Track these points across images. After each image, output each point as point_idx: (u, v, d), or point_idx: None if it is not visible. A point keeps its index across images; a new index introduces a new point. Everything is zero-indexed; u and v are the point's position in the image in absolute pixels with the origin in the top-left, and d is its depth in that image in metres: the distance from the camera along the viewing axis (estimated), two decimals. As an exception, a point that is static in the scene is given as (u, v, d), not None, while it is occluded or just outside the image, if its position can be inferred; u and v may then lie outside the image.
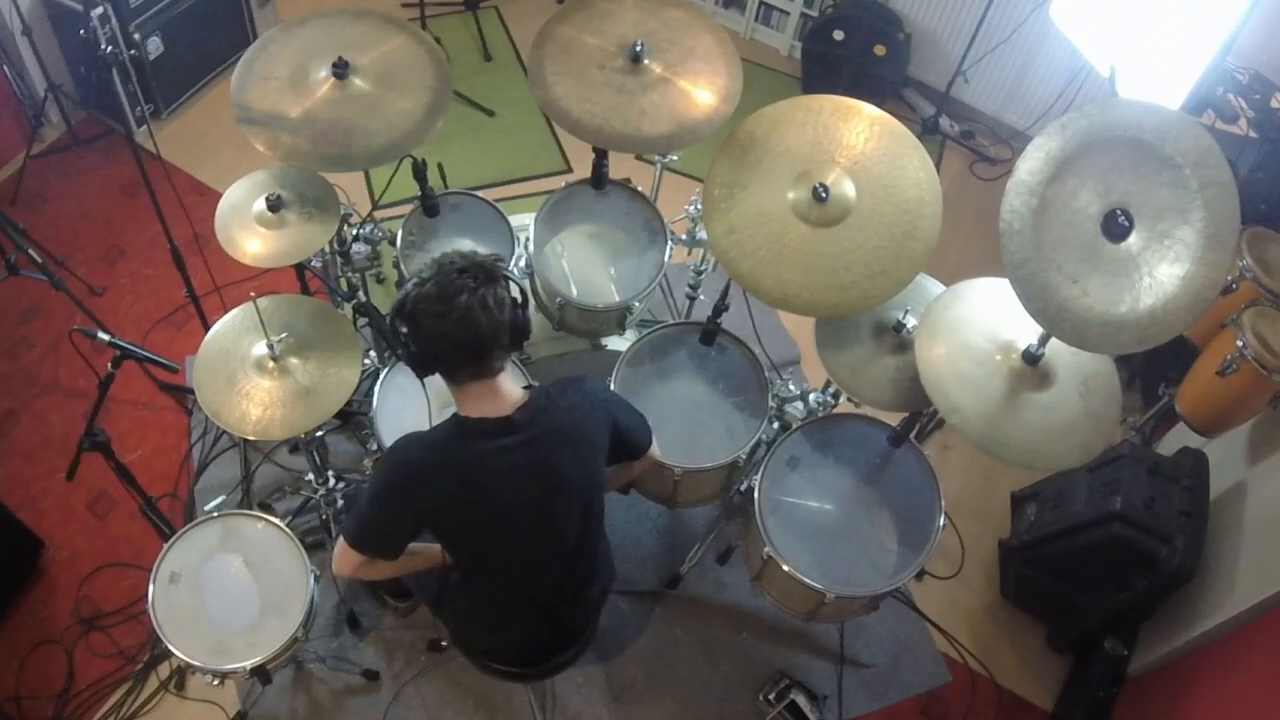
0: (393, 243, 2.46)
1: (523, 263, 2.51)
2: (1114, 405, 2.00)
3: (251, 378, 2.09)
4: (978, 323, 2.03)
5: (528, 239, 2.51)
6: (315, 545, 2.62)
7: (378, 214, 2.72)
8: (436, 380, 2.35)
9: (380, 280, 3.28)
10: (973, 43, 3.90)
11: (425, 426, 2.25)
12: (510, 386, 1.71)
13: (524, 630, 1.98)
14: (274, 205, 2.20)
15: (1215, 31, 2.67)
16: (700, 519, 2.93)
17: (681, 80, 2.26)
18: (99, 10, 3.12)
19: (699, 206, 2.38)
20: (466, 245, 2.50)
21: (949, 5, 4.01)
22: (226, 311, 2.18)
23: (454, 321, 1.56)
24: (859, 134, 2.10)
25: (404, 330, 1.62)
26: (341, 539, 1.74)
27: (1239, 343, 2.53)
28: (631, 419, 1.94)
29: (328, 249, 2.45)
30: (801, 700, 2.61)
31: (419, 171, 2.35)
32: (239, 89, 2.16)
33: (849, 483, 2.36)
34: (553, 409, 1.72)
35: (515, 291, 1.65)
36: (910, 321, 2.18)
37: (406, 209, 2.52)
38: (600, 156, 2.47)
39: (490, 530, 1.75)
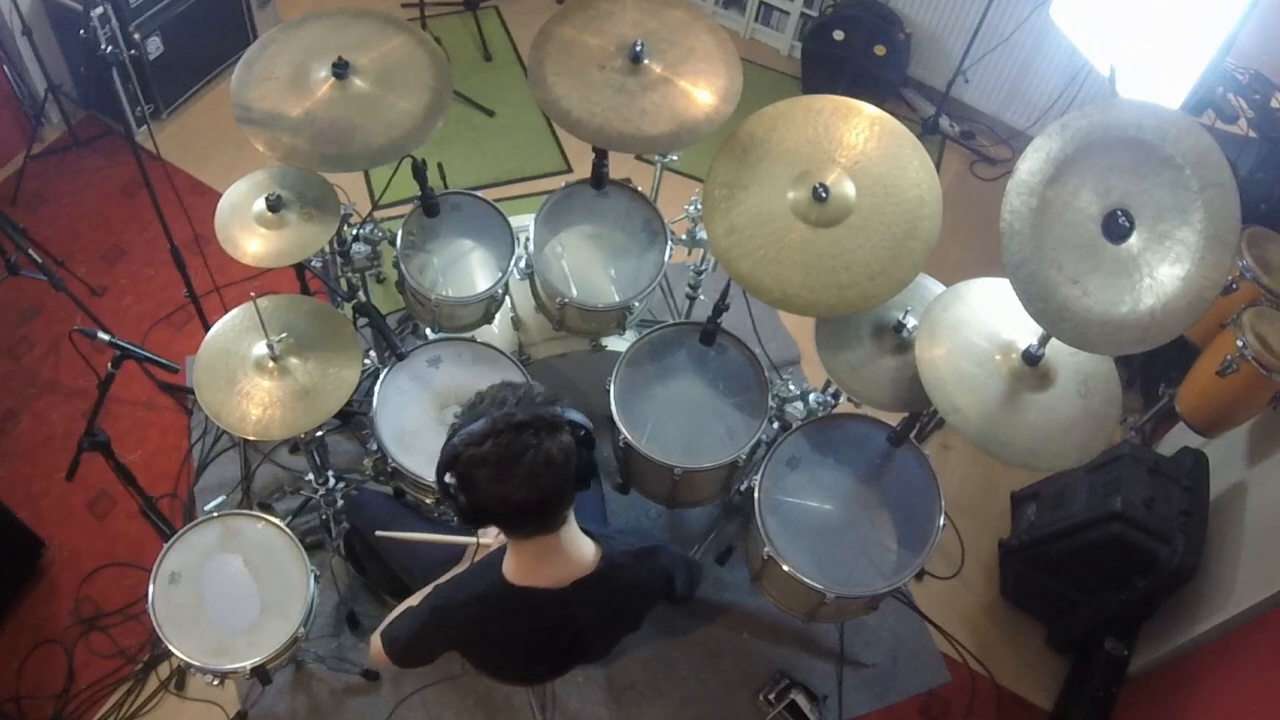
0: (393, 243, 2.46)
1: (523, 263, 2.51)
2: (1114, 405, 2.00)
3: (251, 378, 2.09)
4: (978, 323, 2.03)
5: (528, 239, 2.51)
6: (315, 545, 2.63)
7: (378, 214, 2.72)
8: (437, 380, 2.38)
9: (380, 280, 3.28)
10: (973, 43, 3.90)
11: (425, 426, 2.29)
12: (573, 548, 1.52)
13: (527, 676, 2.03)
14: (274, 205, 2.20)
15: (1215, 31, 2.67)
16: (700, 519, 2.93)
17: (681, 80, 2.26)
18: (99, 10, 3.12)
19: (699, 206, 2.38)
20: (467, 245, 2.52)
21: (949, 5, 4.01)
22: (226, 311, 2.18)
23: (515, 486, 1.35)
24: (859, 134, 2.10)
25: (452, 485, 1.41)
26: (380, 644, 1.68)
27: (1239, 343, 2.53)
28: (684, 586, 1.75)
29: (328, 249, 2.45)
30: (801, 700, 2.61)
31: (419, 171, 2.35)
32: (239, 89, 2.16)
33: (849, 483, 2.36)
34: (615, 586, 1.57)
35: (581, 433, 1.43)
36: (910, 321, 2.18)
37: (406, 209, 2.52)
38: (600, 156, 2.47)
39: (518, 668, 1.79)
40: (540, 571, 1.52)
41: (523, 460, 1.34)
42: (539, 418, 1.36)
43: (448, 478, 1.41)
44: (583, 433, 1.42)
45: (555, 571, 1.52)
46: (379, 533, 2.10)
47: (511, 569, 1.53)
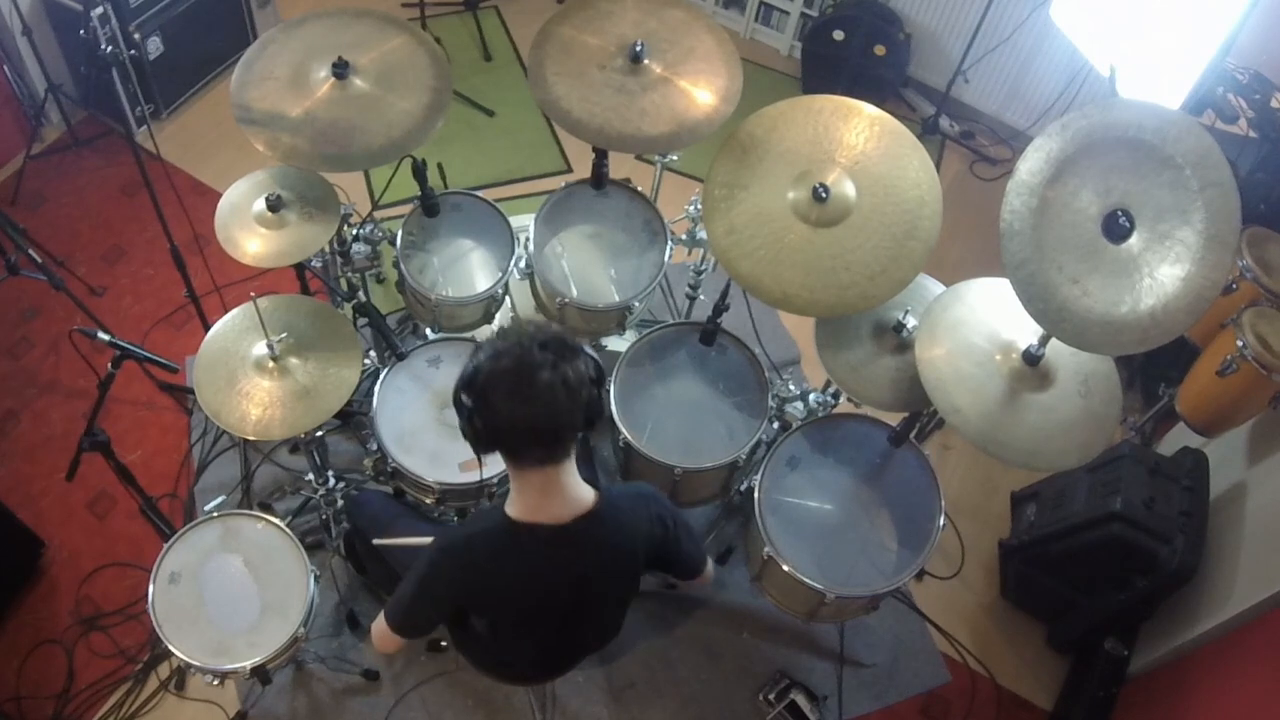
0: (393, 243, 2.46)
1: (523, 263, 2.51)
2: (1114, 405, 2.00)
3: (251, 378, 2.09)
4: (978, 323, 2.03)
5: (528, 239, 2.51)
6: (315, 545, 2.63)
7: (378, 214, 2.72)
8: (437, 380, 2.38)
9: (380, 280, 3.28)
10: (973, 43, 3.90)
11: (425, 426, 2.29)
12: (574, 485, 1.56)
13: (528, 671, 2.03)
14: (274, 205, 2.20)
15: (1215, 31, 2.67)
16: (700, 519, 2.93)
17: (681, 80, 2.26)
18: (99, 10, 3.12)
19: (699, 206, 2.38)
20: (467, 245, 2.52)
21: (949, 5, 4.01)
22: (226, 311, 2.18)
23: (533, 404, 1.40)
24: (859, 134, 2.10)
25: (468, 405, 1.45)
26: (383, 622, 1.70)
27: (1239, 343, 2.53)
28: (686, 545, 1.78)
29: (328, 249, 2.45)
30: (801, 700, 2.61)
31: (419, 171, 2.35)
32: (239, 89, 2.16)
33: (849, 483, 2.36)
34: (611, 525, 1.61)
35: (593, 368, 1.48)
36: (910, 321, 2.18)
37: (406, 209, 2.52)
38: (600, 156, 2.47)
39: (518, 619, 1.75)
40: (543, 508, 1.54)
41: (538, 377, 1.38)
42: (558, 340, 1.42)
43: (464, 398, 1.44)
44: (595, 368, 1.48)
45: (556, 508, 1.55)
46: (376, 541, 2.11)
47: (515, 506, 1.56)
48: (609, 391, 1.55)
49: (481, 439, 1.47)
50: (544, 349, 1.40)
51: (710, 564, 1.90)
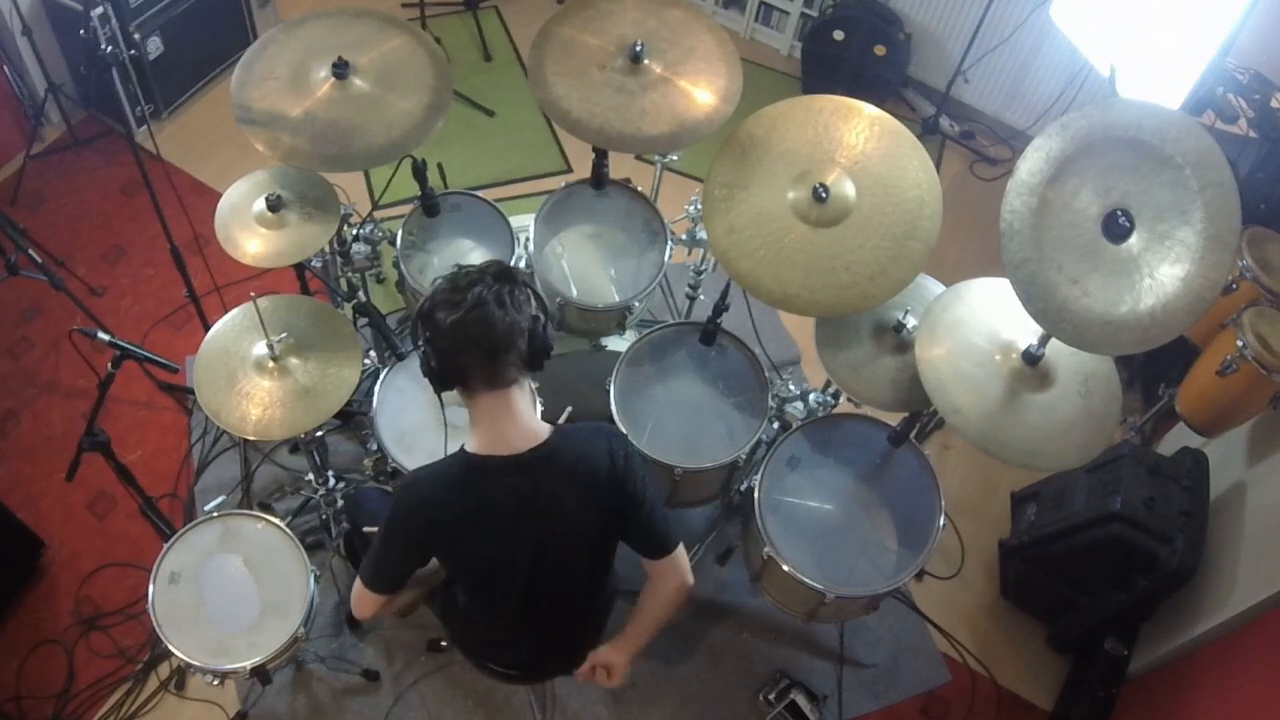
0: (393, 243, 2.46)
1: (523, 263, 2.51)
2: (1114, 405, 2.00)
3: (251, 378, 2.09)
4: (978, 323, 2.03)
5: (528, 239, 2.51)
6: (315, 545, 2.63)
7: (378, 214, 2.72)
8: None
9: (380, 280, 3.28)
10: (973, 43, 3.90)
11: (425, 426, 2.29)
12: (528, 415, 1.62)
13: (523, 648, 1.98)
14: (274, 205, 2.20)
15: (1215, 31, 2.67)
16: (700, 519, 2.93)
17: (681, 80, 2.26)
18: (99, 10, 3.12)
19: (699, 206, 2.38)
20: (467, 245, 2.52)
21: (949, 5, 4.01)
22: (226, 311, 2.18)
23: (467, 311, 1.49)
24: (859, 134, 2.10)
25: (423, 334, 1.56)
26: (358, 582, 1.72)
27: (1239, 343, 2.53)
28: (648, 491, 1.73)
29: (328, 249, 2.45)
30: (801, 700, 2.61)
31: (419, 171, 2.35)
32: (239, 89, 2.16)
33: (849, 483, 2.36)
34: (568, 453, 1.64)
35: (534, 304, 1.58)
36: (910, 321, 2.18)
37: (406, 209, 2.52)
38: (600, 156, 2.47)
39: (493, 562, 1.73)
40: (498, 439, 1.60)
41: (474, 289, 1.49)
42: (498, 267, 1.55)
43: (419, 327, 1.56)
44: (536, 307, 1.57)
45: (511, 438, 1.60)
46: (366, 528, 2.10)
47: (472, 440, 1.62)
48: (565, 413, 1.62)
49: (434, 368, 1.56)
50: (482, 272, 1.53)
51: (682, 552, 1.79)
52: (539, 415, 1.67)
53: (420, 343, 1.58)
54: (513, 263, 2.46)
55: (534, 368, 1.60)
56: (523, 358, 1.57)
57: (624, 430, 2.33)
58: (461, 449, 1.64)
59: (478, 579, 1.80)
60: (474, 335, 1.51)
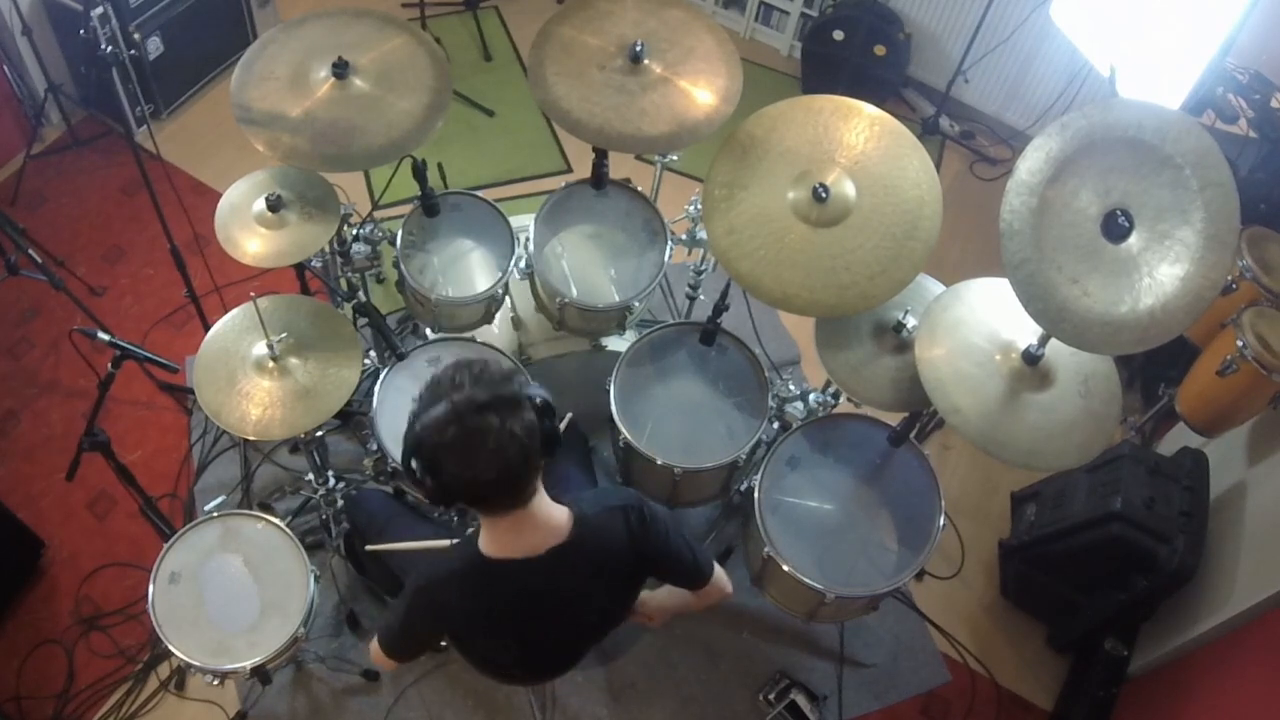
0: (393, 243, 2.46)
1: (523, 263, 2.51)
2: (1114, 405, 2.00)
3: (251, 378, 2.09)
4: (978, 323, 2.03)
5: (528, 239, 2.51)
6: (315, 545, 2.63)
7: (378, 214, 2.72)
8: (436, 380, 2.38)
9: (380, 280, 3.28)
10: (973, 43, 3.90)
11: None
12: (546, 516, 1.53)
13: (520, 672, 2.00)
14: (274, 205, 2.20)
15: (1215, 31, 2.67)
16: (700, 519, 2.93)
17: (681, 80, 2.26)
18: (99, 10, 3.12)
19: (699, 206, 2.38)
20: (467, 245, 2.52)
21: (949, 5, 4.01)
22: (226, 311, 2.18)
23: (482, 468, 1.37)
24: (859, 134, 2.10)
25: (418, 470, 1.41)
26: (375, 644, 1.71)
27: (1239, 343, 2.53)
28: (670, 543, 1.69)
29: (328, 249, 2.45)
30: (801, 700, 2.61)
31: (419, 171, 2.35)
32: (239, 89, 2.16)
33: (849, 483, 2.36)
34: (588, 548, 1.57)
35: (540, 406, 1.42)
36: (910, 321, 2.18)
37: (406, 209, 2.52)
38: (600, 156, 2.47)
39: (507, 650, 1.75)
40: (516, 543, 1.52)
41: (487, 443, 1.35)
42: (499, 398, 1.36)
43: (413, 465, 1.41)
44: (540, 402, 1.42)
45: (530, 541, 1.52)
46: (369, 547, 2.11)
47: (487, 543, 1.54)
48: (565, 418, 1.50)
49: (437, 498, 1.43)
50: (484, 410, 1.34)
51: (720, 571, 1.82)
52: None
53: (414, 475, 1.42)
54: (512, 263, 2.46)
55: (549, 458, 1.46)
56: (539, 469, 1.45)
57: (624, 430, 2.33)
58: (478, 549, 1.55)
59: (488, 658, 1.82)
60: (491, 481, 1.40)
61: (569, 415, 2.11)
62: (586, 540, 1.56)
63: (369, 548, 2.12)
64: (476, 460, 1.36)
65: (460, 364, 1.42)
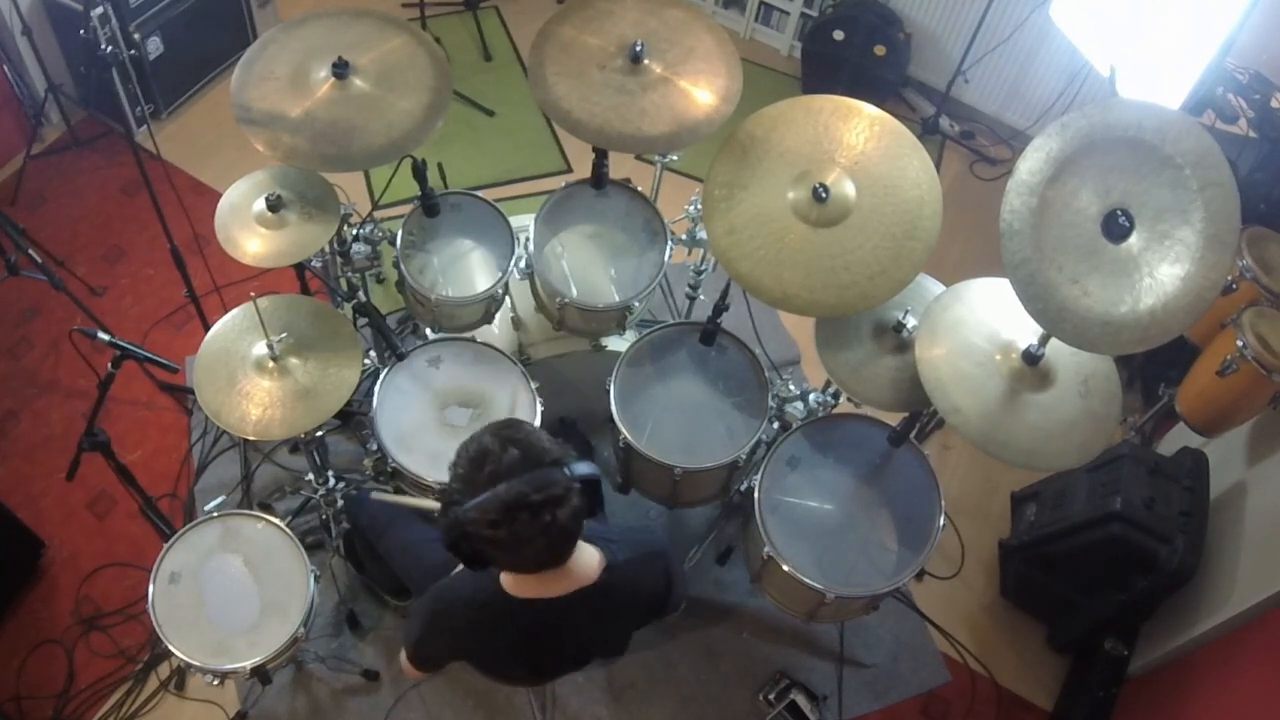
0: (393, 243, 2.45)
1: (523, 263, 2.51)
2: (1114, 405, 2.00)
3: (251, 378, 2.09)
4: (978, 323, 2.03)
5: (528, 239, 2.51)
6: (315, 545, 2.63)
7: (378, 214, 2.71)
8: (437, 380, 2.38)
9: (380, 280, 3.28)
10: (973, 43, 3.90)
11: (425, 426, 2.29)
12: (577, 562, 1.48)
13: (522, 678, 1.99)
14: (274, 205, 2.20)
15: (1215, 31, 2.67)
16: (700, 519, 2.93)
17: (681, 80, 2.26)
18: (99, 10, 3.12)
19: (699, 206, 2.37)
20: (467, 245, 2.52)
21: (949, 5, 4.01)
22: (226, 311, 2.18)
23: (528, 556, 1.37)
24: (859, 134, 2.10)
25: (466, 554, 1.38)
26: (404, 655, 1.68)
27: (1239, 343, 2.53)
28: (676, 597, 1.69)
29: (328, 249, 2.45)
30: (801, 700, 2.61)
31: (419, 171, 2.35)
32: (239, 89, 2.16)
33: (849, 483, 2.36)
34: (616, 594, 1.55)
35: (584, 483, 1.37)
36: (910, 321, 2.18)
37: (406, 209, 2.51)
38: (600, 156, 2.47)
39: (515, 672, 1.76)
40: (540, 588, 1.50)
41: (535, 541, 1.34)
42: (550, 497, 1.31)
43: (462, 548, 1.37)
44: (588, 485, 1.39)
45: (556, 586, 1.50)
46: (374, 494, 2.11)
47: (511, 583, 1.52)
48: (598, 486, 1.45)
49: (476, 564, 1.42)
50: (538, 511, 1.30)
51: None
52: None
53: (459, 549, 1.37)
54: (512, 263, 2.46)
55: (589, 518, 1.43)
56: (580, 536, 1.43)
57: (624, 430, 2.33)
58: (497, 582, 1.52)
59: (497, 677, 1.83)
60: (533, 561, 1.41)
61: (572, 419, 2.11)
62: (614, 587, 1.54)
63: (375, 496, 2.11)
64: (522, 551, 1.36)
65: (506, 435, 1.36)
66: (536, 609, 1.51)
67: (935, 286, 2.26)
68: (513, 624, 1.54)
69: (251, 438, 2.09)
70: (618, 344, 2.64)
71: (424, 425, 2.30)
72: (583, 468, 1.38)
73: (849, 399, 2.24)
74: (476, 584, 1.55)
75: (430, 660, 1.69)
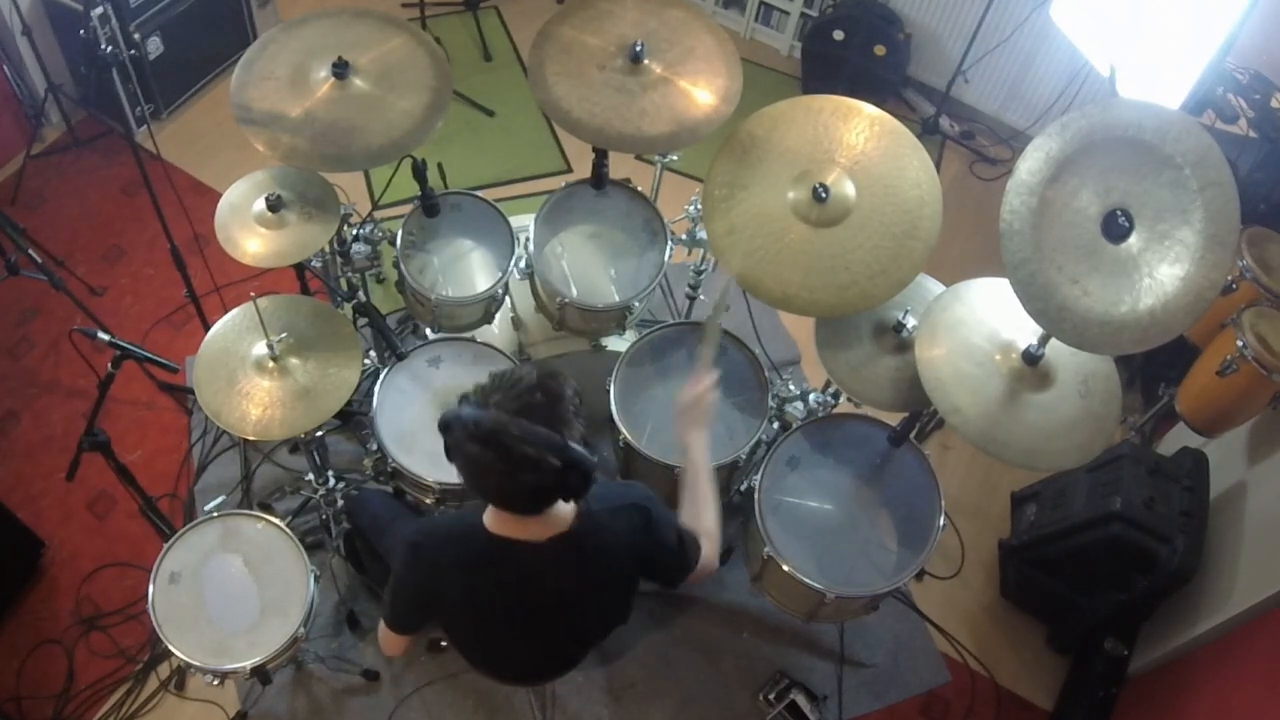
0: (393, 243, 2.46)
1: (523, 263, 2.51)
2: (1114, 405, 2.00)
3: (251, 378, 2.09)
4: (978, 323, 2.03)
5: (528, 239, 2.51)
6: (315, 545, 2.63)
7: (378, 214, 2.72)
8: (437, 380, 2.38)
9: (380, 280, 3.28)
10: (973, 43, 3.90)
11: (425, 426, 2.29)
12: (559, 512, 1.53)
13: (518, 670, 1.97)
14: (274, 205, 2.20)
15: (1215, 31, 2.67)
16: (700, 519, 2.93)
17: (681, 80, 2.26)
18: (99, 10, 3.12)
19: (699, 206, 2.38)
20: (467, 245, 2.52)
21: (949, 5, 4.01)
22: (226, 311, 2.18)
23: (492, 493, 1.44)
24: (859, 134, 2.10)
25: (449, 450, 1.43)
26: (382, 625, 1.70)
27: (1239, 343, 2.53)
28: (674, 555, 1.67)
29: (328, 249, 2.45)
30: (801, 700, 2.61)
31: (419, 171, 2.35)
32: (239, 89, 2.16)
33: (849, 483, 2.36)
34: (591, 543, 1.57)
35: (573, 458, 1.39)
36: (910, 321, 2.18)
37: (406, 209, 2.52)
38: (600, 156, 2.47)
39: (494, 638, 1.74)
40: (519, 529, 1.53)
41: (495, 481, 1.39)
42: (526, 456, 1.35)
43: (446, 440, 1.43)
44: (577, 466, 1.41)
45: (534, 529, 1.53)
46: (393, 463, 2.10)
47: (491, 519, 1.55)
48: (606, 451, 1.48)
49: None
50: (506, 458, 1.35)
51: (704, 555, 1.72)
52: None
53: (447, 445, 1.42)
54: (512, 263, 2.46)
55: (584, 489, 1.46)
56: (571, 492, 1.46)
57: (624, 430, 2.33)
58: (481, 521, 1.55)
59: (475, 646, 1.80)
60: (502, 502, 1.47)
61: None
62: (588, 535, 1.56)
63: (393, 463, 2.10)
64: (480, 481, 1.40)
65: (543, 384, 1.40)
66: (517, 551, 1.53)
67: (935, 286, 2.26)
68: (491, 562, 1.55)
69: (251, 438, 2.09)
70: (618, 344, 2.64)
71: (424, 425, 2.30)
72: (579, 454, 1.40)
73: (849, 399, 2.24)
74: (460, 519, 1.58)
75: (406, 613, 1.66)
